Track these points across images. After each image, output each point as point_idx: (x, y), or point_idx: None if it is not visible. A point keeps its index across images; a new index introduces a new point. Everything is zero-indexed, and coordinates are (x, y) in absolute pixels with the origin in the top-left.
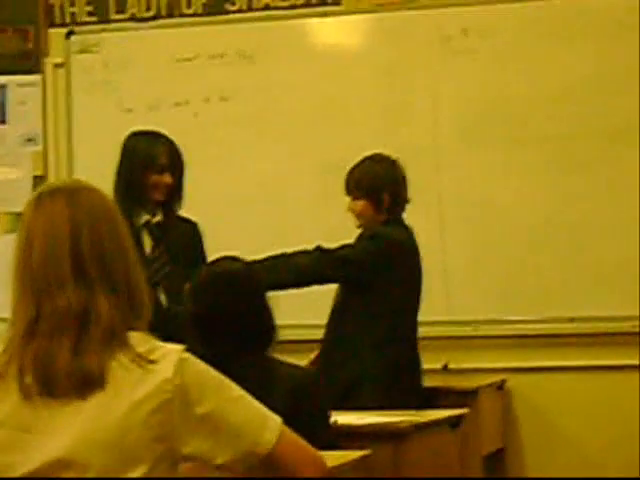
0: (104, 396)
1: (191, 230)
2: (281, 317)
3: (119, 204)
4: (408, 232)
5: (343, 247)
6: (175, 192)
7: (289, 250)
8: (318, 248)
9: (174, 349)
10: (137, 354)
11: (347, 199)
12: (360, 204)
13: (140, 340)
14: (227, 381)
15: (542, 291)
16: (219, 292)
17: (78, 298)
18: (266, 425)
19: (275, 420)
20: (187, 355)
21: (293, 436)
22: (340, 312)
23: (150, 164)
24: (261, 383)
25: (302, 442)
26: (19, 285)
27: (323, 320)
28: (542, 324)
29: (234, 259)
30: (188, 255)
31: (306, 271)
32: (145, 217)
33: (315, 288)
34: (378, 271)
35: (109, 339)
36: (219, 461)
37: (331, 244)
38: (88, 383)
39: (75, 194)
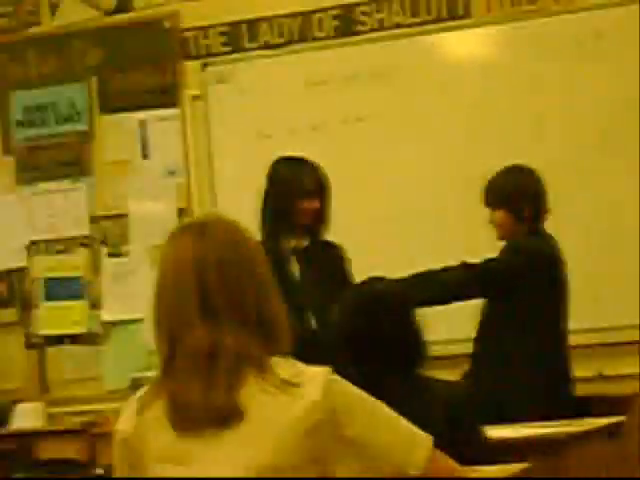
0: (252, 424)
1: (337, 253)
2: (431, 333)
3: (266, 231)
4: (551, 242)
5: (487, 261)
6: (321, 216)
7: (434, 267)
8: (463, 263)
9: (320, 371)
10: (281, 380)
11: (487, 211)
12: (500, 215)
13: (283, 365)
14: (375, 401)
15: None
16: (368, 312)
17: (206, 336)
18: (416, 445)
19: (425, 440)
20: (334, 377)
21: (443, 456)
22: (487, 326)
23: (298, 190)
24: (414, 400)
25: (452, 462)
26: (156, 323)
27: (472, 334)
28: None
29: (380, 279)
30: (335, 277)
31: (452, 287)
32: (293, 242)
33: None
34: (523, 283)
35: (242, 371)
36: None
37: (476, 258)
38: (227, 416)
39: (204, 228)
